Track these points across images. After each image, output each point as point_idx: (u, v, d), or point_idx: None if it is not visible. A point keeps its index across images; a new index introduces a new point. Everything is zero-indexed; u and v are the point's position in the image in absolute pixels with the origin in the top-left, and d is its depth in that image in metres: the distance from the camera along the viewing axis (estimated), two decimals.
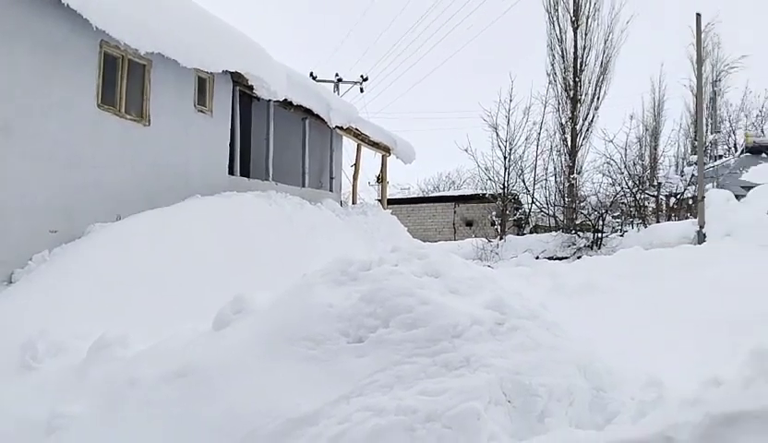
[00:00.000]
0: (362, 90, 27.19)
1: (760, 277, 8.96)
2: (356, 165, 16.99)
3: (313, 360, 3.76)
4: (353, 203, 16.66)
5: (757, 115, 35.96)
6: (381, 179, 18.14)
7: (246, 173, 11.81)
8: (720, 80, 31.82)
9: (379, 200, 18.30)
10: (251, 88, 10.74)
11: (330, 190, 14.71)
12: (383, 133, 16.17)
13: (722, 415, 2.26)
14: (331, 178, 14.86)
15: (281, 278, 5.86)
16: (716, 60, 31.08)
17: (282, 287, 4.78)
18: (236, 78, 10.59)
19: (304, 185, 13.12)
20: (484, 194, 21.71)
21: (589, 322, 6.77)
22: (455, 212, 26.57)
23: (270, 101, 11.53)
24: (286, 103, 11.97)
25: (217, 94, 10.33)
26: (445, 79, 67.13)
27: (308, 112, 12.79)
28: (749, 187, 18.85)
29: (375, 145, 16.16)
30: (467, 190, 28.99)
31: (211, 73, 9.91)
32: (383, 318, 3.72)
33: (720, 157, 28.79)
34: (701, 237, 14.28)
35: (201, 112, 9.99)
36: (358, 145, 16.30)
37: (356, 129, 14.82)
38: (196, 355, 4.20)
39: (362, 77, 27.13)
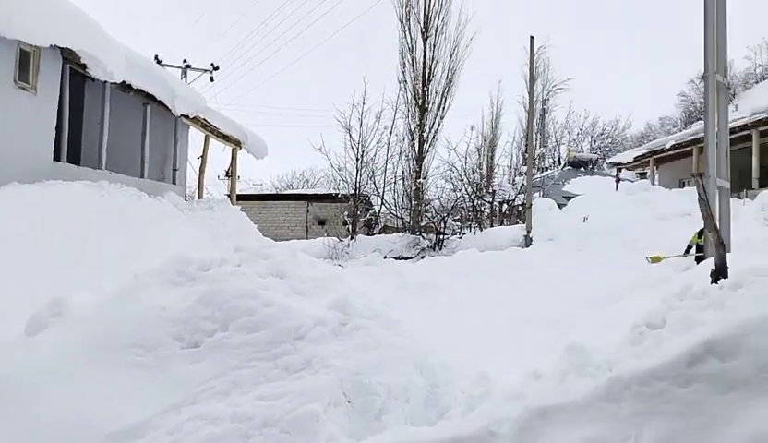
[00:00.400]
0: (212, 79, 26.00)
1: (577, 277, 10.10)
2: (203, 157, 16.20)
3: (142, 367, 3.50)
4: (198, 197, 15.86)
5: (578, 133, 40.70)
6: (231, 173, 17.50)
7: (75, 159, 10.69)
8: (549, 99, 35.43)
9: (228, 195, 17.65)
10: (84, 66, 9.74)
11: (174, 182, 13.84)
12: (234, 125, 15.59)
13: (538, 409, 2.45)
14: (175, 170, 13.98)
15: (110, 277, 5.39)
16: (546, 81, 34.55)
17: (111, 288, 4.40)
18: (67, 55, 9.54)
19: (143, 176, 12.20)
20: (336, 194, 21.91)
21: (430, 319, 7.11)
22: (308, 211, 26.49)
23: (106, 82, 10.55)
24: (125, 86, 11.03)
25: (43, 70, 9.22)
26: (300, 76, 66.63)
27: (151, 97, 11.90)
28: (569, 197, 21.16)
29: (224, 137, 15.53)
30: (321, 189, 29.04)
31: (37, 46, 8.82)
32: (222, 322, 3.56)
33: (546, 169, 32.01)
34: (528, 241, 15.69)
35: (23, 89, 8.85)
36: (206, 136, 15.55)
37: (204, 119, 14.11)
38: (3, 363, 3.70)
39: (212, 65, 25.96)
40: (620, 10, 64.39)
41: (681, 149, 20.99)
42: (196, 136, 15.76)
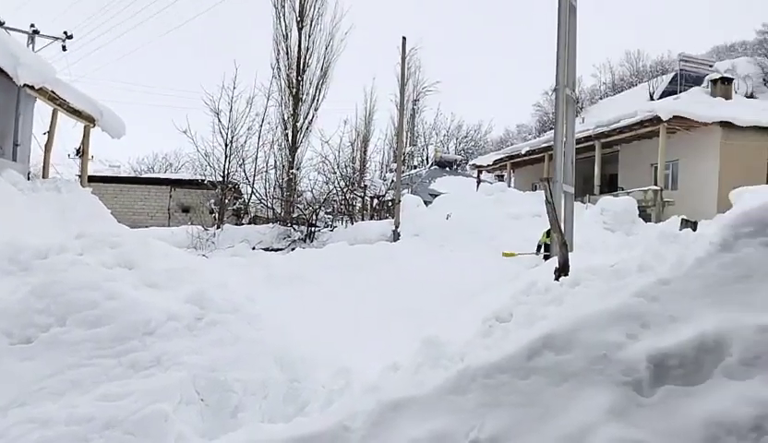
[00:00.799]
0: (64, 49, 23.56)
1: (442, 271, 10.56)
2: (50, 133, 14.66)
3: None
4: (44, 177, 14.35)
5: (445, 134, 42.56)
6: (82, 153, 16.02)
7: None
8: (419, 100, 36.64)
9: (79, 176, 16.17)
10: None
11: (14, 160, 12.41)
12: (87, 100, 14.28)
13: (391, 402, 2.50)
14: (16, 145, 12.54)
15: None
16: (417, 82, 35.66)
17: None
18: None
19: None
20: (203, 180, 20.89)
21: (298, 311, 7.05)
22: (171, 197, 25.04)
23: None
24: None
25: None
26: (166, 53, 62.73)
27: None
28: (435, 195, 22.10)
29: (76, 113, 14.17)
30: (186, 174, 27.56)
31: None
32: (59, 315, 3.24)
33: (415, 167, 33.14)
34: (396, 236, 16.15)
35: None
36: (54, 110, 14.10)
37: (53, 92, 12.77)
38: None
39: (65, 33, 23.56)
40: (484, 23, 68.43)
41: (534, 156, 22.72)
42: (43, 108, 14.24)
